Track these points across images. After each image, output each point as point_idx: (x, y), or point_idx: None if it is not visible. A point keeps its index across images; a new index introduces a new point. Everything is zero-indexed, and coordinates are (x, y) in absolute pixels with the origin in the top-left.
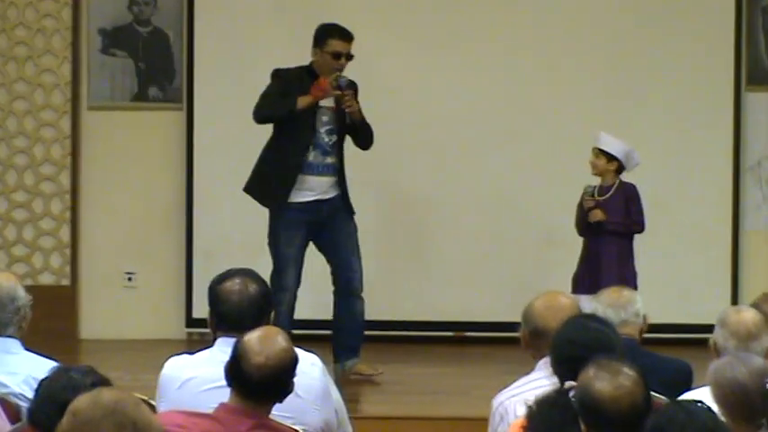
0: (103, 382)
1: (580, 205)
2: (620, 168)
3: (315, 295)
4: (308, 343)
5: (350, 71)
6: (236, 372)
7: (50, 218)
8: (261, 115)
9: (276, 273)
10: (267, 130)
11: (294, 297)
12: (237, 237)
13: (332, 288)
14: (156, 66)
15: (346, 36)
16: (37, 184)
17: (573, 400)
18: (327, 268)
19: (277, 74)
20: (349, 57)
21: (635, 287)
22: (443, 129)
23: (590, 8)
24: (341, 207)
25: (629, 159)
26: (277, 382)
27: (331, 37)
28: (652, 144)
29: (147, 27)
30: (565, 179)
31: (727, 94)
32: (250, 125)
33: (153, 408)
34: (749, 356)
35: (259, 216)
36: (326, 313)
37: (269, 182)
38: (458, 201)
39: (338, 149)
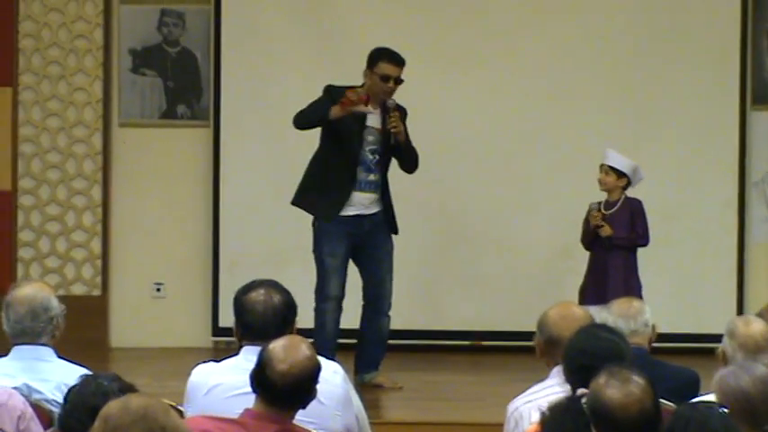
0: (129, 388)
1: (586, 220)
2: (627, 184)
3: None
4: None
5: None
6: (261, 378)
7: (82, 230)
8: (298, 122)
9: (320, 283)
10: (292, 146)
11: (339, 307)
12: (262, 248)
13: (355, 298)
14: (185, 84)
15: (397, 60)
16: (69, 198)
17: (585, 406)
18: (353, 280)
19: (328, 90)
20: (398, 81)
21: (640, 298)
22: (461, 145)
23: (601, 31)
24: (382, 223)
25: (636, 175)
26: (300, 388)
27: (382, 60)
28: (662, 160)
29: (175, 47)
30: (578, 194)
31: (733, 113)
32: (274, 142)
33: (181, 413)
34: (753, 365)
35: (283, 228)
36: (348, 323)
37: (320, 195)
38: (475, 214)
39: (382, 168)
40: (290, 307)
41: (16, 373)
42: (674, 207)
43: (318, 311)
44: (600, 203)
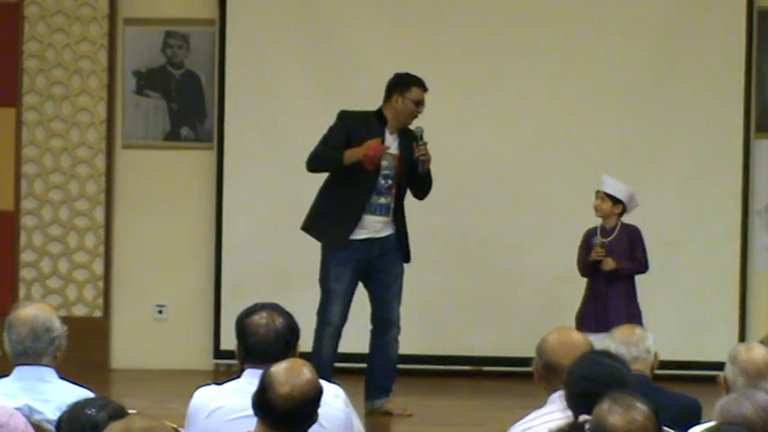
0: (120, 414)
1: (582, 247)
2: (623, 211)
3: (346, 329)
4: (340, 375)
5: None
6: (263, 401)
7: (84, 251)
8: (311, 167)
9: (322, 307)
10: (296, 169)
11: (339, 333)
12: (264, 271)
13: (364, 323)
14: (188, 107)
15: (425, 86)
16: (72, 219)
17: None
18: (360, 304)
19: (341, 117)
20: (423, 107)
21: (641, 324)
22: (464, 173)
23: (605, 59)
24: (393, 248)
25: (631, 201)
26: (301, 412)
27: (414, 85)
28: (665, 187)
29: (179, 69)
30: (578, 221)
31: (736, 142)
32: (278, 164)
33: None
34: (754, 392)
35: (285, 251)
36: (356, 347)
37: (330, 221)
38: (476, 241)
39: (397, 193)
40: (292, 330)
41: (17, 394)
42: (677, 234)
43: (317, 335)
44: (596, 229)
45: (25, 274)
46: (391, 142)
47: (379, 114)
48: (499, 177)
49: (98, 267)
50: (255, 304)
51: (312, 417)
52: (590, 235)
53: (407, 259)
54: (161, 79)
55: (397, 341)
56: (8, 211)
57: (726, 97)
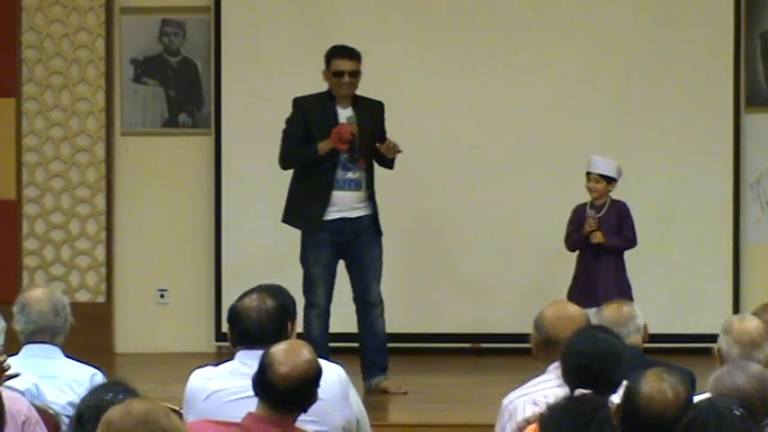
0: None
1: (570, 222)
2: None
3: (342, 308)
4: (338, 355)
5: (367, 93)
6: (263, 381)
7: (86, 238)
8: (285, 166)
9: (305, 291)
10: None
11: (326, 314)
12: (263, 253)
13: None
14: (186, 93)
15: (349, 54)
16: (73, 207)
17: (584, 407)
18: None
19: (295, 103)
20: (354, 74)
21: (630, 298)
22: (461, 152)
23: (595, 35)
24: (368, 228)
25: (620, 175)
26: (301, 391)
27: (334, 57)
28: (657, 163)
29: (176, 57)
30: (572, 198)
31: (727, 116)
32: (275, 148)
33: (182, 417)
34: (747, 363)
35: (283, 234)
36: (351, 327)
37: (303, 206)
38: (473, 219)
39: (364, 165)
40: (283, 309)
41: (26, 371)
42: (670, 209)
43: (305, 317)
44: (585, 205)
45: (28, 261)
46: (344, 117)
47: (329, 93)
48: (495, 155)
49: (100, 254)
50: (251, 289)
51: (312, 396)
52: (580, 210)
53: (380, 233)
54: (158, 67)
55: (382, 319)
56: (10, 200)
57: (716, 73)
